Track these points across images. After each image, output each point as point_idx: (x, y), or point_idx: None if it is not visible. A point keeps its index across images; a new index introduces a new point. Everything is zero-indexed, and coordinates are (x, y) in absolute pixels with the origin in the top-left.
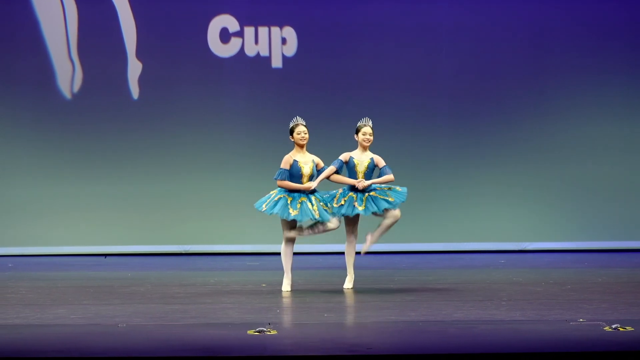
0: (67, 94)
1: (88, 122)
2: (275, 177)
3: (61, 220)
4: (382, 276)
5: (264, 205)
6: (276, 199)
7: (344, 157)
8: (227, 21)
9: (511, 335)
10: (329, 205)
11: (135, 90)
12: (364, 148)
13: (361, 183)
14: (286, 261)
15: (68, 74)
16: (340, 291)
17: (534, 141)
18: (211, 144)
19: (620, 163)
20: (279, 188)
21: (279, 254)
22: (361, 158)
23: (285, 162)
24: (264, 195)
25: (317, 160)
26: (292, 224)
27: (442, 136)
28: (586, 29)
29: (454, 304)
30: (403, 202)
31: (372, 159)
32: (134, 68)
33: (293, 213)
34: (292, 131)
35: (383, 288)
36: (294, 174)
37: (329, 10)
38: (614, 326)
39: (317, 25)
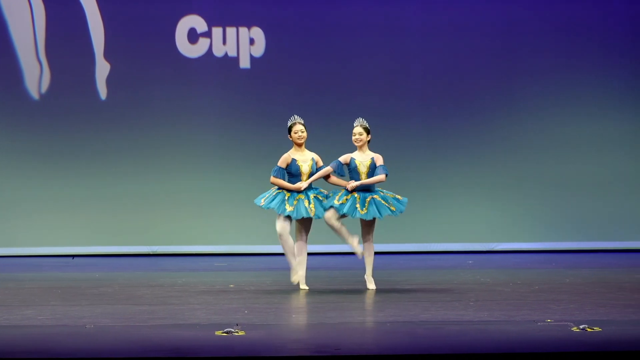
0: (35, 95)
1: (56, 122)
2: (271, 173)
3: (28, 222)
4: (350, 277)
5: (262, 200)
6: (274, 193)
7: (344, 158)
8: (195, 21)
9: (479, 336)
10: (328, 198)
11: (103, 91)
12: (359, 148)
13: (350, 184)
14: (288, 252)
15: (36, 75)
16: (308, 292)
17: (502, 142)
18: (179, 144)
19: (590, 162)
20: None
21: (246, 254)
22: (362, 158)
23: (283, 161)
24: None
25: (317, 158)
26: (287, 218)
27: (411, 137)
28: (558, 29)
29: (422, 305)
30: (402, 212)
31: (372, 158)
32: (102, 69)
33: (289, 209)
34: (289, 130)
35: (351, 289)
36: (293, 172)
37: (297, 11)
38: (581, 327)
39: (285, 26)
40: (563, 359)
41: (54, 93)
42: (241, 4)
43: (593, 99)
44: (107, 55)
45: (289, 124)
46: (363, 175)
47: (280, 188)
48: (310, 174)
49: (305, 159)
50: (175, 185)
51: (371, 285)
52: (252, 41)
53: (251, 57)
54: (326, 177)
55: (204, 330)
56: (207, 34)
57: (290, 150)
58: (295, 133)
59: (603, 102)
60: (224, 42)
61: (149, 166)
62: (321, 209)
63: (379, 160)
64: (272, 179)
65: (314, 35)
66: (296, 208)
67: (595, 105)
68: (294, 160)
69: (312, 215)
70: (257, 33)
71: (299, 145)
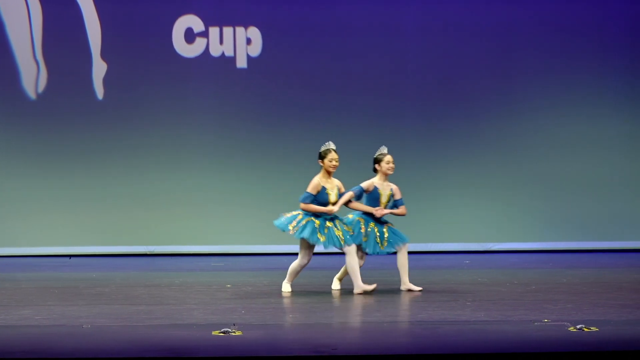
0: (32, 95)
1: (52, 122)
2: (300, 199)
3: (25, 222)
4: (348, 277)
5: (291, 227)
6: (304, 222)
7: (366, 185)
8: (192, 21)
9: (476, 336)
10: (349, 227)
11: (100, 91)
12: (385, 177)
13: (380, 211)
14: (292, 273)
15: (33, 75)
16: (305, 292)
17: (499, 142)
18: (176, 144)
19: (587, 163)
20: (304, 212)
21: (243, 254)
22: (383, 188)
23: (313, 188)
24: (287, 215)
25: (340, 184)
26: (312, 247)
27: (408, 137)
28: (554, 29)
29: (419, 305)
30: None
31: (391, 189)
32: (99, 68)
33: (322, 239)
34: (323, 156)
35: (348, 289)
36: (321, 201)
37: (294, 11)
38: (578, 327)
39: (282, 26)
40: (560, 359)
41: (51, 93)
42: (238, 4)
43: (591, 99)
44: (104, 55)
45: (323, 149)
46: (383, 206)
47: (308, 216)
48: (334, 203)
49: (332, 186)
50: (172, 185)
51: (336, 285)
52: (249, 41)
53: (248, 56)
54: (346, 202)
55: (201, 330)
56: (204, 34)
57: (319, 176)
58: (330, 161)
59: (601, 103)
60: (221, 42)
61: (146, 166)
62: (349, 237)
63: (398, 192)
64: (303, 205)
65: (310, 35)
66: (328, 237)
67: (593, 105)
68: (323, 188)
69: (342, 244)
70: (254, 33)
71: (329, 173)
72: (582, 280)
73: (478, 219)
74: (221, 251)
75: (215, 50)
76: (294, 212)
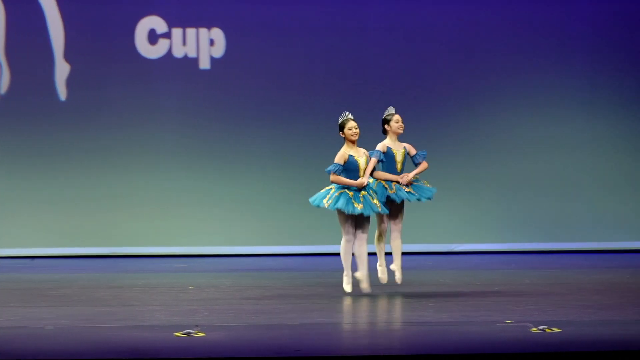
0: None
1: (15, 123)
2: (328, 169)
3: None
4: (311, 278)
5: (325, 202)
6: (337, 194)
7: (381, 147)
8: (155, 22)
9: (439, 337)
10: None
11: (62, 92)
12: (397, 137)
13: (404, 178)
14: (346, 259)
15: None
16: (268, 294)
17: (461, 143)
18: (139, 145)
19: (549, 163)
20: (336, 184)
21: (206, 256)
22: (397, 147)
23: (340, 157)
24: (321, 191)
25: (366, 152)
26: (352, 219)
27: (372, 137)
28: (515, 29)
29: (381, 306)
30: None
31: (404, 147)
32: (62, 69)
33: (359, 207)
34: (342, 127)
35: (311, 290)
36: (351, 168)
37: (257, 12)
38: (541, 327)
39: (245, 27)
40: None
41: (14, 94)
42: (201, 5)
43: (553, 100)
44: (67, 56)
45: (341, 120)
46: (399, 165)
47: (340, 188)
48: (365, 170)
49: (359, 154)
50: (135, 186)
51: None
52: (212, 42)
53: (211, 58)
54: (372, 170)
55: (163, 332)
56: (167, 35)
57: (344, 147)
58: (350, 130)
59: (563, 103)
60: (184, 43)
61: (109, 167)
62: (383, 206)
63: (412, 148)
64: (333, 176)
65: (273, 36)
66: (365, 204)
67: (555, 106)
68: (350, 156)
69: (380, 210)
70: (217, 34)
71: (353, 142)
72: (544, 281)
73: (441, 220)
74: (184, 252)
75: (178, 52)
76: (327, 188)
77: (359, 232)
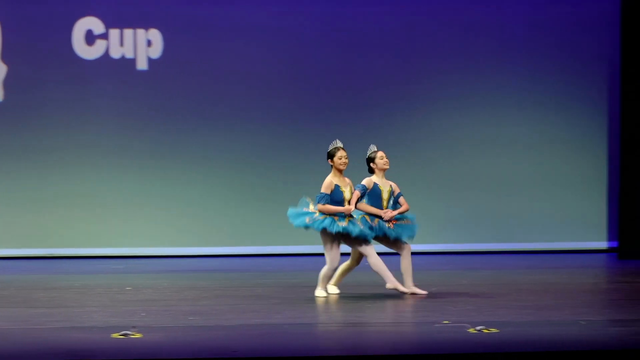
0: None
1: None
2: (316, 201)
3: None
4: (247, 279)
5: (307, 219)
6: (322, 217)
7: (367, 182)
8: (92, 23)
9: (377, 337)
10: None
11: (0, 93)
12: (383, 174)
13: (387, 214)
14: (323, 280)
15: None
16: (205, 295)
17: (399, 143)
18: (77, 146)
19: (488, 163)
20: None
21: (143, 257)
22: (383, 184)
23: (327, 187)
24: (301, 209)
25: (351, 183)
26: (338, 244)
27: (307, 138)
28: (450, 30)
29: (319, 307)
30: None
31: (391, 185)
32: None
33: (342, 224)
34: (332, 155)
35: (248, 291)
36: (336, 199)
37: (194, 13)
38: (478, 328)
39: (183, 27)
40: None
41: None
42: (138, 6)
43: (490, 99)
44: (4, 57)
45: (331, 148)
46: (385, 202)
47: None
48: (349, 201)
49: (345, 184)
50: (72, 187)
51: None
52: (149, 43)
53: (148, 58)
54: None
55: (100, 333)
56: (104, 36)
57: (330, 176)
58: (340, 159)
59: (502, 103)
60: (121, 44)
61: (46, 168)
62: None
63: (397, 187)
64: (320, 207)
65: (210, 37)
66: (349, 222)
67: (494, 105)
68: (337, 186)
69: (363, 232)
70: (155, 35)
71: (340, 171)
72: (482, 282)
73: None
74: (122, 253)
75: (115, 52)
76: (311, 210)
77: (364, 249)
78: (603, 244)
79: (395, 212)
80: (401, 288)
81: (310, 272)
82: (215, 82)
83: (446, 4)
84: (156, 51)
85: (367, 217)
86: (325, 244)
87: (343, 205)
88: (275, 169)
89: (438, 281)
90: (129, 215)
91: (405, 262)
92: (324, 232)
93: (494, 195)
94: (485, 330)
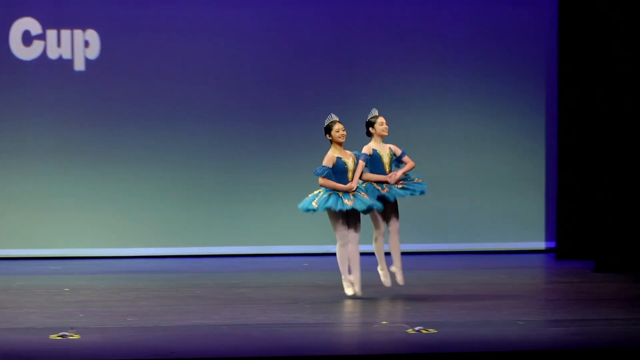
0: None
1: None
2: (316, 172)
3: None
4: (185, 280)
5: (314, 203)
6: (326, 195)
7: (367, 150)
8: (29, 24)
9: (315, 338)
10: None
11: None
12: (381, 139)
13: (393, 177)
14: (343, 264)
15: None
16: (143, 296)
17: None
18: (14, 147)
19: (424, 162)
20: (324, 188)
21: (81, 257)
22: (382, 149)
23: (328, 160)
24: (309, 196)
25: (353, 155)
26: (343, 219)
27: (246, 138)
28: (388, 31)
29: (257, 307)
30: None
31: (390, 148)
32: None
33: (349, 203)
34: (329, 129)
35: (187, 292)
36: (339, 169)
37: (132, 13)
38: (417, 328)
39: (121, 28)
40: None
41: None
42: (76, 6)
43: (429, 100)
44: None
45: (327, 122)
46: (386, 166)
47: (329, 191)
48: (353, 171)
49: (346, 156)
50: (9, 188)
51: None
52: (86, 43)
53: (86, 59)
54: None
55: (38, 334)
56: (42, 37)
57: (331, 150)
58: (337, 132)
59: (438, 103)
60: (59, 45)
61: None
62: (377, 202)
63: (397, 148)
64: (322, 180)
65: (148, 37)
66: (355, 200)
67: (430, 105)
68: (338, 158)
69: (372, 204)
70: (92, 35)
71: (340, 144)
72: (420, 282)
73: (315, 221)
74: (59, 255)
75: (52, 53)
76: (315, 192)
77: (351, 231)
78: (541, 245)
79: (400, 172)
80: (347, 292)
81: (247, 272)
82: (153, 82)
83: (384, 5)
84: (94, 52)
85: (376, 185)
86: (331, 221)
87: (348, 175)
88: (217, 168)
89: (376, 282)
90: (67, 216)
91: (395, 242)
92: (329, 210)
93: (433, 196)
94: (424, 331)
